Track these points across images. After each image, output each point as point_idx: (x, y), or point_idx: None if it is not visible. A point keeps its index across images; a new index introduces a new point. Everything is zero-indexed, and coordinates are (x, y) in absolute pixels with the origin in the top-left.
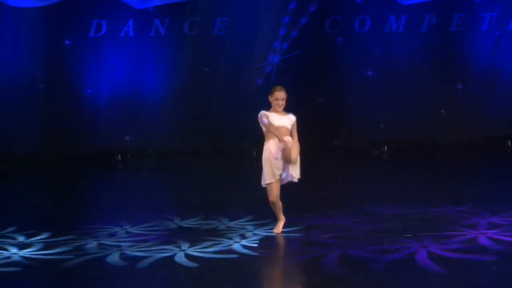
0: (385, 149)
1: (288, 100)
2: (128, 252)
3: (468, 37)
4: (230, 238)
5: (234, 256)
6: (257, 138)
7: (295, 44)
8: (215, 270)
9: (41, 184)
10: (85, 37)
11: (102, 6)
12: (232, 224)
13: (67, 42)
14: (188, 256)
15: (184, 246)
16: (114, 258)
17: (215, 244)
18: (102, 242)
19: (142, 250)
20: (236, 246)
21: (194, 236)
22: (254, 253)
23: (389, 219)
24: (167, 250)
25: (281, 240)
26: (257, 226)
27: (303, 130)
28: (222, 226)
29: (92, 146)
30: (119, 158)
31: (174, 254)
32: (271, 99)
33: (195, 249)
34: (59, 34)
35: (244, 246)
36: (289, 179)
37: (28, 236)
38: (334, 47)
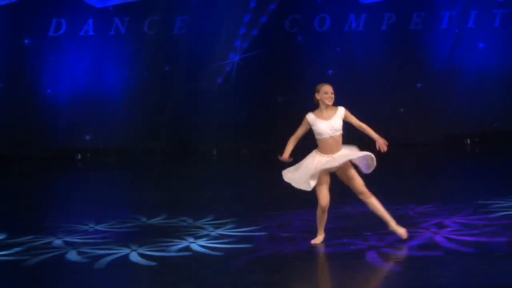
0: None
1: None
2: (87, 250)
3: (428, 36)
4: (190, 237)
5: (191, 254)
6: (218, 136)
7: (256, 43)
8: (173, 269)
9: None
10: (44, 36)
11: (61, 5)
12: (192, 223)
13: (26, 41)
14: (144, 255)
15: (141, 245)
16: (73, 256)
17: (172, 244)
18: (63, 240)
19: (101, 248)
20: (195, 246)
21: (154, 236)
22: (213, 253)
23: (348, 217)
24: (124, 250)
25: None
26: (218, 226)
27: (263, 129)
28: (183, 225)
29: (52, 146)
30: (79, 157)
31: (129, 253)
32: (319, 96)
33: (152, 248)
34: (18, 33)
35: (203, 246)
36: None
37: None
38: (294, 46)
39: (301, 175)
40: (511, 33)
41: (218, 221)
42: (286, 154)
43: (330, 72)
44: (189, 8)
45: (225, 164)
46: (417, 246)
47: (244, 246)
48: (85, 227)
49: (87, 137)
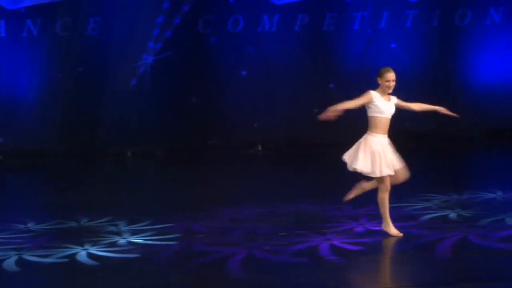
0: (260, 148)
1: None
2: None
3: (340, 37)
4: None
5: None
6: (132, 137)
7: (169, 44)
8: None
9: None
10: None
11: None
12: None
13: None
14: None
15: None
16: None
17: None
18: None
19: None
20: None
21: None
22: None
23: (264, 218)
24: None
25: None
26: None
27: (176, 130)
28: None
29: None
30: None
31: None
32: (381, 81)
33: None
34: None
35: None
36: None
37: None
38: (208, 47)
39: (379, 161)
40: (423, 34)
41: (112, 223)
42: (339, 108)
43: (243, 72)
44: (102, 9)
45: (139, 166)
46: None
47: (163, 243)
48: None
49: (0, 139)
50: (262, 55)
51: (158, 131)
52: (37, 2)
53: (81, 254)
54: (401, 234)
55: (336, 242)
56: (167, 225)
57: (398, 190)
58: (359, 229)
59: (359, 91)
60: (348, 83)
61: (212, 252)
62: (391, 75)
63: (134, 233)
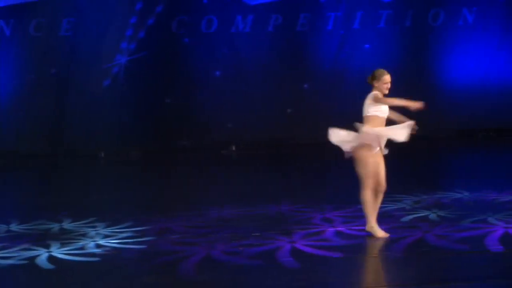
0: (234, 148)
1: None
2: None
3: (314, 37)
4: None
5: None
6: (105, 139)
7: (142, 44)
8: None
9: None
10: None
11: None
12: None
13: None
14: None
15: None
16: None
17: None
18: None
19: None
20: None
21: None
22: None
23: (238, 219)
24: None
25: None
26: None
27: (150, 131)
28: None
29: None
30: None
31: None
32: (377, 83)
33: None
34: None
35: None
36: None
37: None
38: (182, 48)
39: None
40: (396, 34)
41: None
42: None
43: (217, 73)
44: (75, 10)
45: (112, 167)
46: (309, 243)
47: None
48: None
49: None
50: (235, 55)
51: (131, 132)
52: (10, 3)
53: (42, 257)
54: (387, 235)
55: (299, 245)
56: (138, 228)
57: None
58: (329, 232)
59: (332, 91)
60: (322, 83)
61: (172, 252)
62: (388, 77)
63: (103, 235)
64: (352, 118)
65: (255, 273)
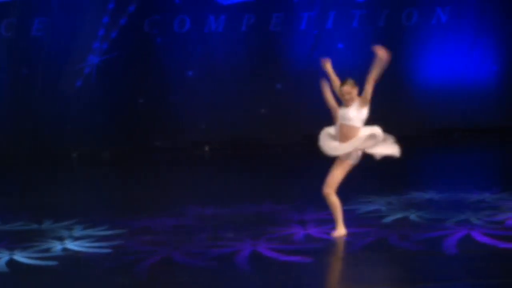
0: (207, 149)
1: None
2: None
3: (287, 37)
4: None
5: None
6: (78, 139)
7: (115, 44)
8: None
9: None
10: None
11: None
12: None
13: None
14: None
15: None
16: None
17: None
18: None
19: None
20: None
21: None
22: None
23: (211, 219)
24: None
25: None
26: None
27: (123, 131)
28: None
29: None
30: None
31: None
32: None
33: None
34: None
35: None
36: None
37: None
38: (154, 47)
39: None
40: (370, 34)
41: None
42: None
43: (190, 73)
44: (47, 10)
45: (85, 167)
46: (278, 247)
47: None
48: None
49: None
50: (208, 55)
51: (104, 132)
52: None
53: (1, 261)
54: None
55: (261, 248)
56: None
57: (341, 192)
58: (299, 235)
59: (305, 92)
60: (295, 83)
61: (135, 253)
62: (345, 88)
63: (74, 238)
64: (325, 118)
65: (211, 276)
